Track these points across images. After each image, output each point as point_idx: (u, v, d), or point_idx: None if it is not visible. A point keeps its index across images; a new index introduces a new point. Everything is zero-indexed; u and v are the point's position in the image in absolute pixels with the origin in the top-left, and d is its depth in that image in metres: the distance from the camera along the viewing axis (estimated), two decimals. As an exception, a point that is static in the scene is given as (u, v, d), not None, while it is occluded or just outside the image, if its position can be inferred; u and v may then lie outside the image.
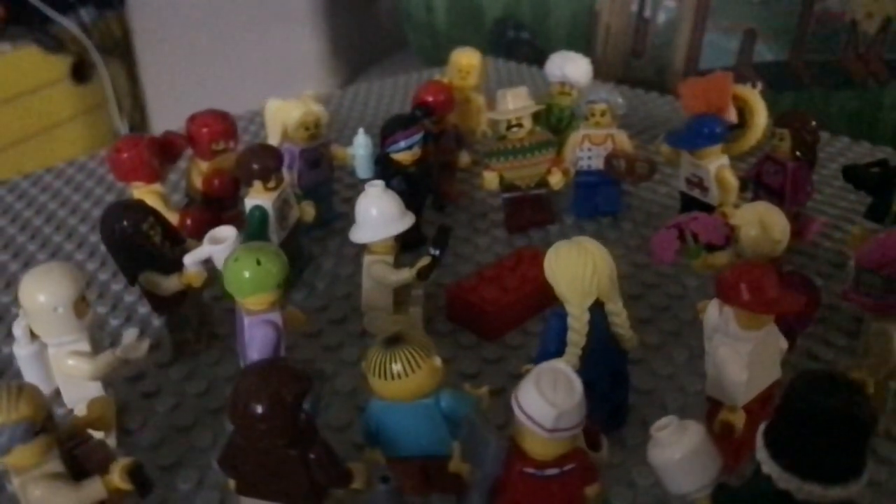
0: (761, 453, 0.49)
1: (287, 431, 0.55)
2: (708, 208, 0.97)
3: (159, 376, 0.82)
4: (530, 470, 0.54)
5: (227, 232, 0.76)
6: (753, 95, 1.24)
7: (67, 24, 2.25)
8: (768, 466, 0.48)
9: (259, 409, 0.54)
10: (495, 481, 0.54)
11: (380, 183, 0.83)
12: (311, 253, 1.02)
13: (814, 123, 0.95)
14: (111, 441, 0.71)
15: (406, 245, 0.91)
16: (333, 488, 0.59)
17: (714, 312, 0.67)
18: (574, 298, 0.67)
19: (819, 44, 1.39)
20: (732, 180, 0.97)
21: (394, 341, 0.61)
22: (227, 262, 0.68)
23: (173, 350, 0.84)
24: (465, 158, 1.12)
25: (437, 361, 0.62)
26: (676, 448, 0.53)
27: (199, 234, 0.81)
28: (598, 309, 0.68)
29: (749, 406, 0.66)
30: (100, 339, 0.72)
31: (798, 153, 0.94)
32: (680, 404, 0.76)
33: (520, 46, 1.79)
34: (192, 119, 0.98)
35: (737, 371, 0.64)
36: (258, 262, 0.67)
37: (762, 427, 0.50)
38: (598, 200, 1.09)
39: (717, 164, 0.97)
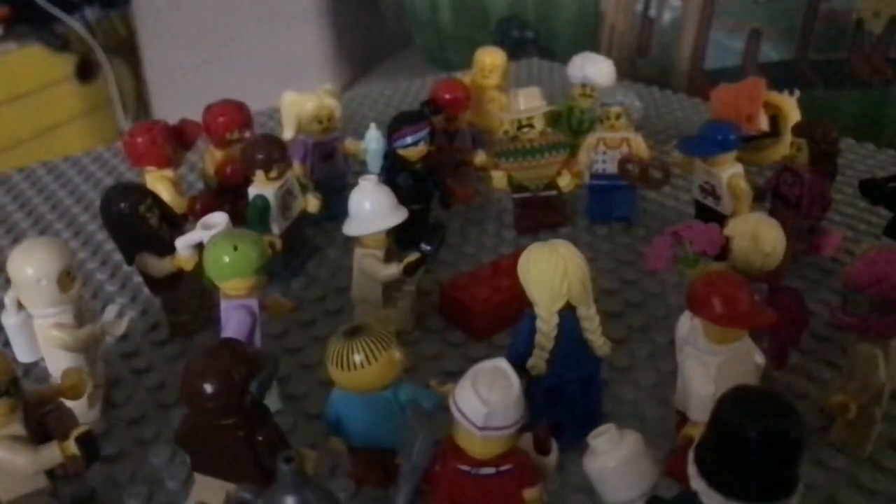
0: (691, 468, 0.47)
1: (234, 411, 0.56)
2: (721, 217, 0.95)
3: (153, 354, 0.85)
4: (465, 467, 0.54)
5: (218, 218, 0.78)
6: (788, 103, 1.19)
7: (72, 23, 2.28)
8: (696, 482, 0.47)
9: (206, 387, 0.55)
10: (422, 475, 0.54)
11: (373, 177, 0.84)
12: (318, 244, 1.04)
13: (835, 134, 0.91)
14: (95, 412, 0.75)
15: (409, 241, 0.92)
16: (281, 472, 0.60)
17: (685, 324, 0.65)
18: (543, 301, 0.66)
19: (825, 43, 1.35)
20: (746, 189, 0.94)
21: (354, 332, 0.62)
22: (206, 247, 0.70)
23: (170, 330, 0.87)
24: (480, 157, 1.12)
25: (396, 354, 0.62)
26: (611, 456, 0.52)
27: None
28: (570, 313, 0.67)
29: (721, 422, 0.64)
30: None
31: (816, 164, 0.91)
32: (659, 416, 0.75)
33: (525, 46, 1.78)
34: (209, 108, 1.01)
35: (703, 385, 0.62)
36: (235, 248, 0.69)
37: (696, 442, 0.48)
38: (613, 205, 1.08)
39: (730, 173, 0.94)
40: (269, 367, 0.57)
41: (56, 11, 2.24)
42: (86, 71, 2.36)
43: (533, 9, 1.67)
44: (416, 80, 1.70)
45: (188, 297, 0.85)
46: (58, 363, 0.69)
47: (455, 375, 0.80)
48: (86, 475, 0.68)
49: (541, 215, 1.06)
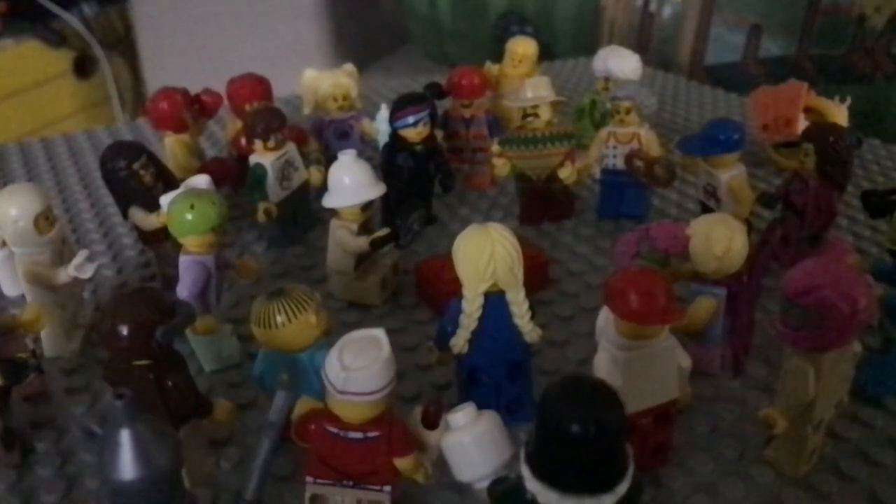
0: (521, 453, 0.47)
1: (143, 354, 0.60)
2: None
3: (142, 303, 0.91)
4: (333, 429, 0.55)
5: (200, 180, 0.83)
6: (834, 111, 1.12)
7: (70, 18, 2.27)
8: (523, 468, 0.46)
9: (116, 328, 0.59)
10: (280, 430, 0.56)
11: (352, 152, 0.86)
12: (321, 216, 1.07)
13: (846, 142, 0.84)
14: (73, 347, 0.81)
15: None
16: (190, 416, 0.63)
17: (602, 316, 0.64)
18: (469, 282, 0.66)
19: (826, 38, 1.26)
20: (746, 192, 0.89)
21: (276, 294, 0.65)
22: (168, 204, 0.75)
23: (161, 283, 0.93)
24: (496, 146, 1.12)
25: (312, 318, 0.65)
26: (466, 432, 0.52)
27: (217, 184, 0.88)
28: (499, 297, 0.67)
29: (636, 419, 0.62)
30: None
31: (824, 171, 0.85)
32: (595, 413, 0.73)
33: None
34: (232, 81, 1.07)
35: (608, 378, 0.60)
36: (192, 207, 0.73)
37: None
38: (624, 202, 1.05)
39: (730, 174, 0.90)
40: (181, 317, 0.61)
41: (53, 7, 2.21)
42: (83, 67, 2.33)
43: (532, 4, 1.65)
44: (436, 76, 1.72)
45: (177, 251, 0.90)
46: (34, 298, 0.76)
47: (409, 351, 0.82)
48: (49, 400, 0.75)
49: (545, 207, 1.05)
